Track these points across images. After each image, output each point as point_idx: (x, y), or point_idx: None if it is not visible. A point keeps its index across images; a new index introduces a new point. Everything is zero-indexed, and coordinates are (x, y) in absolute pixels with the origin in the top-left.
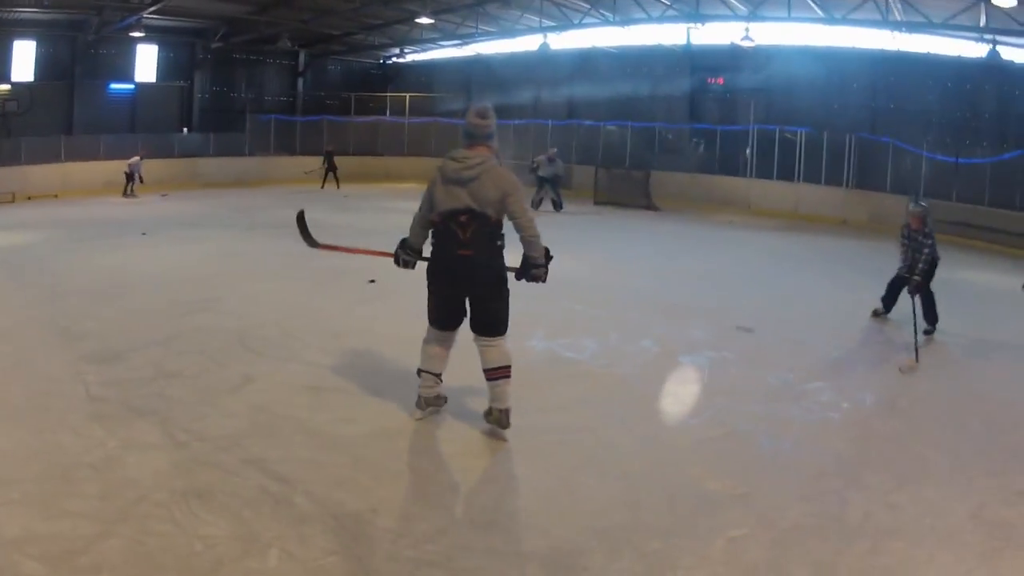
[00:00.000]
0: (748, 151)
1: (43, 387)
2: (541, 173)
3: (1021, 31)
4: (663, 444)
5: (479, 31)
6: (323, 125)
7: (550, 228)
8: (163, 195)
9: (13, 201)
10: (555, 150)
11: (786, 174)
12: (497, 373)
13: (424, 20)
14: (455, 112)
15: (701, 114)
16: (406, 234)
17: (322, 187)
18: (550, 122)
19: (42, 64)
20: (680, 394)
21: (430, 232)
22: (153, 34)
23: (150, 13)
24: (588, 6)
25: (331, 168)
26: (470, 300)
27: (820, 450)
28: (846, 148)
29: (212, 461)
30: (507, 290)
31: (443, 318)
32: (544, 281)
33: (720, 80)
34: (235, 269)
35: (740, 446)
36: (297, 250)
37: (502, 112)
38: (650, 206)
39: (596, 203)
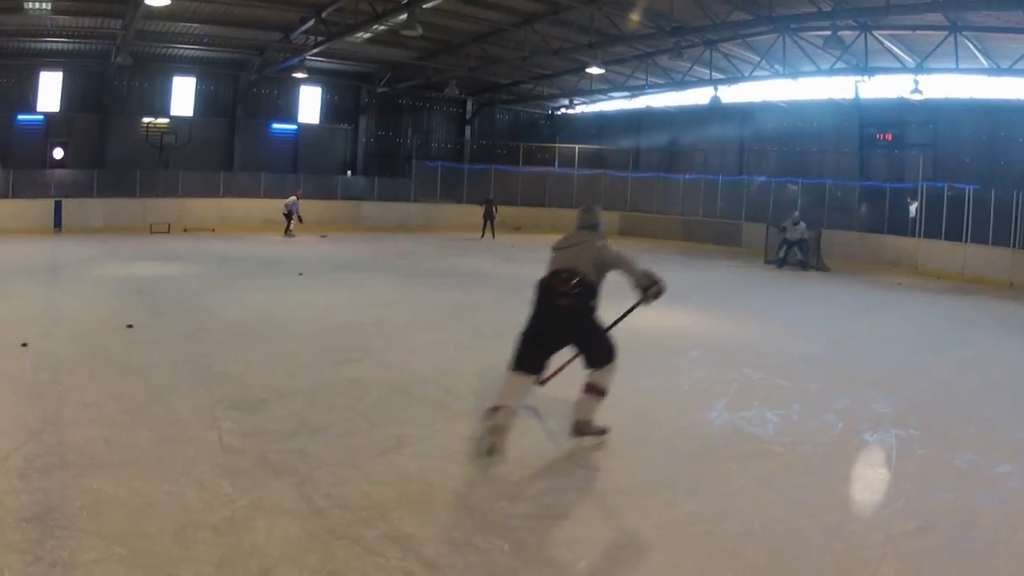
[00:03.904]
0: (915, 208)
1: (173, 432)
2: (788, 236)
3: None
4: (854, 538)
5: (648, 83)
6: (491, 174)
7: (721, 286)
8: (323, 236)
9: (168, 232)
10: (797, 213)
11: (954, 234)
12: (596, 391)
13: (593, 70)
14: (624, 164)
15: (869, 170)
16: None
17: (482, 236)
18: (720, 177)
19: (202, 100)
20: (868, 479)
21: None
22: (317, 76)
23: (313, 55)
24: (758, 58)
25: (490, 217)
26: (576, 344)
27: (1017, 547)
28: (1014, 205)
29: (352, 535)
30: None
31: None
32: (664, 291)
33: (888, 136)
34: (393, 318)
35: (934, 543)
36: (459, 301)
37: (671, 166)
38: (820, 266)
39: (766, 262)
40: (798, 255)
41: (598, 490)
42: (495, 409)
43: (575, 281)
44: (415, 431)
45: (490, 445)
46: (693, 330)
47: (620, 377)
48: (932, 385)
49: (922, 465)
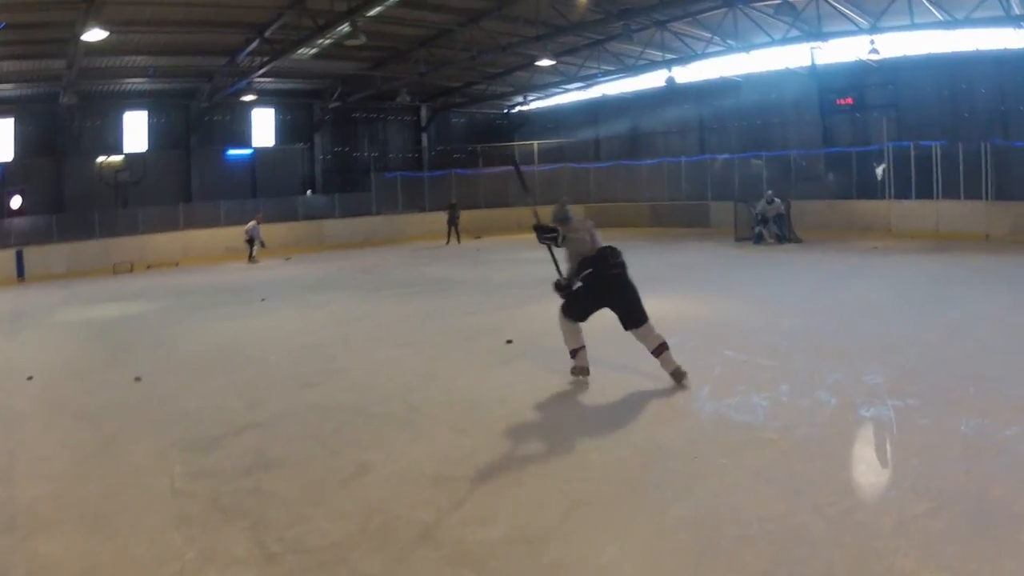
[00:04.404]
0: (882, 170)
1: (123, 479)
2: (765, 214)
3: None
4: (863, 528)
5: (601, 71)
6: (451, 179)
7: (694, 268)
8: (287, 259)
9: (132, 271)
10: (771, 192)
11: (924, 192)
12: (660, 349)
13: (544, 63)
14: (585, 156)
15: (833, 137)
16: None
17: (447, 243)
18: (683, 159)
19: (155, 133)
20: (870, 459)
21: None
22: (268, 98)
23: (261, 76)
24: (710, 35)
25: (454, 222)
26: (620, 305)
27: None
28: (981, 158)
29: None
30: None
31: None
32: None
33: (849, 100)
34: (358, 335)
35: (950, 523)
36: (426, 310)
37: (633, 152)
38: (792, 238)
39: (737, 240)
40: (775, 230)
41: (578, 502)
42: (577, 350)
43: (621, 255)
44: (378, 455)
45: (583, 372)
46: (669, 316)
47: (595, 372)
48: (923, 349)
49: (925, 437)
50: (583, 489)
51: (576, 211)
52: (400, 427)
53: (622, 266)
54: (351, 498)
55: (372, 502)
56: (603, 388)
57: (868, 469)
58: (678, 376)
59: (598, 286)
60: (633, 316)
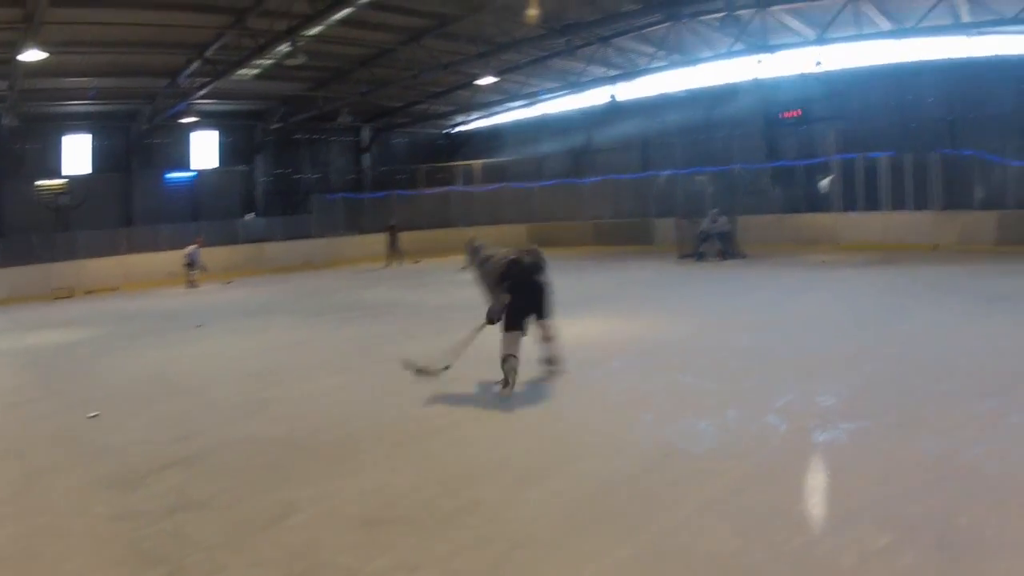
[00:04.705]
0: (827, 182)
1: (41, 522)
2: (710, 231)
3: None
4: (821, 568)
5: (544, 88)
6: (392, 200)
7: (637, 287)
8: (227, 283)
9: (71, 296)
10: (716, 210)
11: (872, 203)
12: (553, 338)
13: (486, 80)
14: (528, 175)
15: (779, 150)
16: (479, 308)
17: (387, 265)
18: (625, 176)
19: (97, 156)
20: (827, 489)
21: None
22: (210, 119)
23: (202, 98)
24: (654, 49)
25: (394, 244)
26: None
27: (1009, 547)
28: (929, 168)
29: None
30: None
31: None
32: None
33: (795, 113)
34: (295, 363)
35: (915, 559)
36: (364, 335)
37: (576, 171)
38: (737, 254)
39: (681, 256)
40: (718, 246)
41: (515, 544)
42: (508, 357)
43: (535, 257)
44: (306, 494)
45: (510, 383)
46: (611, 338)
47: (530, 402)
48: (877, 366)
49: (884, 461)
50: (521, 530)
51: (518, 231)
52: (331, 463)
53: (535, 268)
54: (274, 543)
55: (296, 547)
56: (543, 419)
57: (825, 500)
58: (554, 361)
59: (518, 289)
60: (544, 310)
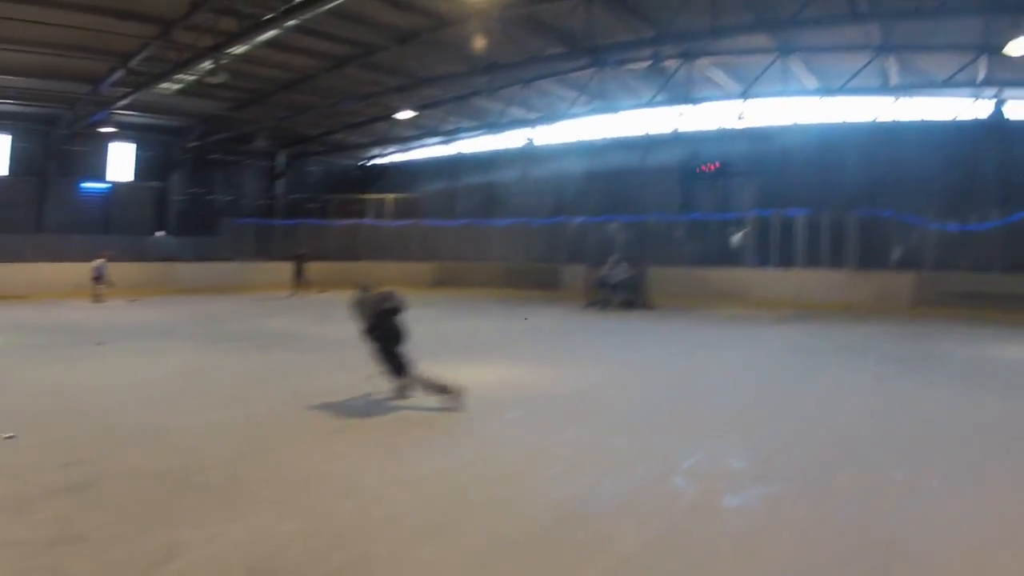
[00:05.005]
0: (740, 236)
1: None
2: (610, 279)
3: None
4: None
5: (462, 127)
6: (303, 229)
7: (542, 334)
8: (132, 300)
9: None
10: (616, 255)
11: (786, 260)
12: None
13: (405, 114)
14: (440, 212)
15: (695, 202)
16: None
17: (292, 294)
18: (537, 221)
19: (14, 159)
20: (738, 562)
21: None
22: (128, 131)
23: (123, 109)
24: (576, 94)
25: (300, 274)
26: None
27: None
28: (847, 227)
29: None
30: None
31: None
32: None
33: (713, 166)
34: (190, 391)
35: None
36: (263, 367)
37: (488, 212)
38: (646, 304)
39: (588, 305)
40: (623, 295)
41: None
42: (405, 386)
43: (388, 303)
44: (190, 535)
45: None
46: (514, 385)
47: (427, 452)
48: (789, 427)
49: (799, 532)
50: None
51: (426, 269)
52: (219, 503)
53: (389, 313)
54: None
55: None
56: (439, 470)
57: (734, 572)
58: (401, 391)
59: (384, 337)
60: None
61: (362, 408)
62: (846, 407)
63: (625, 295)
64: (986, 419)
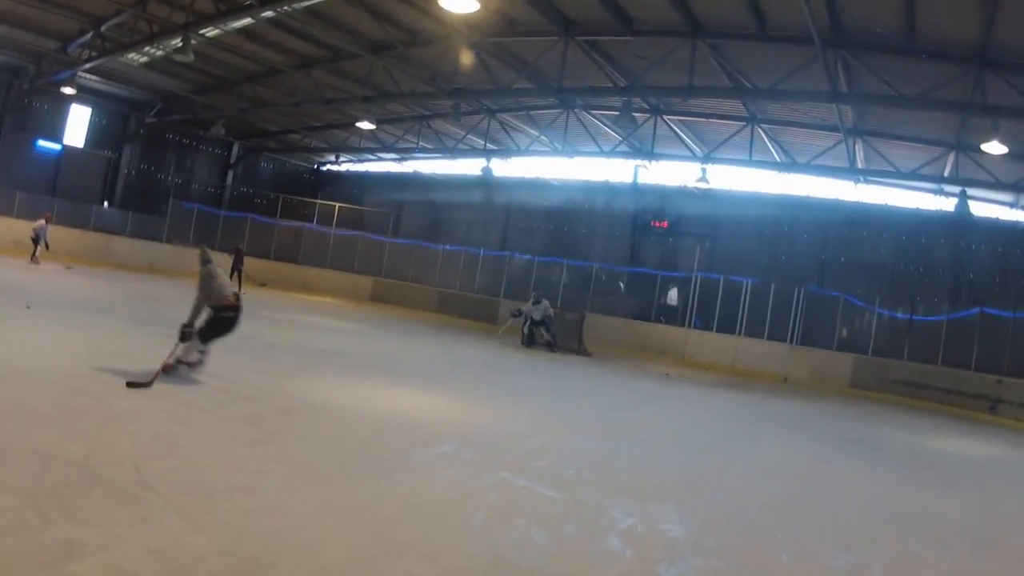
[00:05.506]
0: (675, 295)
1: None
2: (532, 316)
3: (992, 182)
4: None
5: (419, 147)
6: (247, 223)
7: (475, 367)
8: (68, 267)
9: None
10: (536, 292)
11: (727, 326)
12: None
13: (365, 125)
14: (384, 228)
15: (641, 257)
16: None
17: None
18: (481, 251)
19: None
20: None
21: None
22: (88, 96)
23: (87, 71)
24: (537, 132)
25: (238, 268)
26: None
27: None
28: (793, 301)
29: None
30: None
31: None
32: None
33: (664, 223)
34: (108, 373)
35: None
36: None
37: (433, 234)
38: (581, 351)
39: (523, 343)
40: (545, 335)
41: None
42: (180, 364)
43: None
44: (91, 535)
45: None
46: (443, 417)
47: (348, 479)
48: (724, 497)
49: None
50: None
51: (364, 283)
52: (125, 502)
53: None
54: None
55: None
56: (359, 501)
57: None
58: (167, 369)
59: (230, 326)
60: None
61: (292, 419)
62: (783, 482)
63: (547, 334)
64: (926, 511)
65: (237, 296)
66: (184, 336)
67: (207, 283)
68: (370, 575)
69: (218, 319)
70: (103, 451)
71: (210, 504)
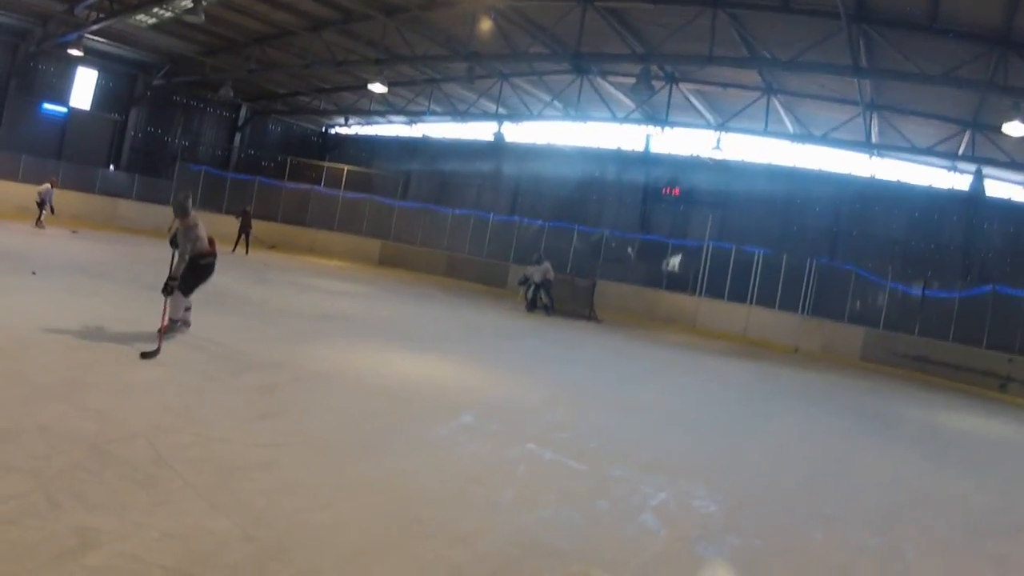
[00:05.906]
0: (676, 262)
1: None
2: (530, 277)
3: (1007, 162)
4: None
5: (429, 110)
6: (255, 186)
7: (488, 333)
8: (74, 231)
9: None
10: (537, 254)
11: (738, 295)
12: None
13: (376, 88)
14: (393, 191)
15: (652, 224)
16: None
17: (233, 250)
18: (491, 216)
19: None
20: None
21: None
22: (95, 58)
23: (94, 33)
24: (550, 97)
25: (245, 231)
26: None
27: None
28: (805, 272)
29: None
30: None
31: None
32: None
33: (676, 191)
34: (118, 343)
35: None
36: (198, 327)
37: (442, 199)
38: (592, 317)
39: (526, 309)
40: (543, 299)
41: None
42: (174, 323)
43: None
44: (107, 523)
45: (185, 324)
46: (461, 385)
47: (367, 451)
48: (753, 474)
49: None
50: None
51: (372, 246)
52: (141, 483)
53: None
54: None
55: None
56: (385, 477)
57: None
58: (164, 331)
59: (209, 271)
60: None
61: (305, 388)
62: (809, 460)
63: (545, 298)
64: (950, 492)
65: (212, 242)
66: (168, 289)
67: (192, 232)
68: (400, 560)
69: (197, 266)
70: (114, 427)
71: (229, 483)
